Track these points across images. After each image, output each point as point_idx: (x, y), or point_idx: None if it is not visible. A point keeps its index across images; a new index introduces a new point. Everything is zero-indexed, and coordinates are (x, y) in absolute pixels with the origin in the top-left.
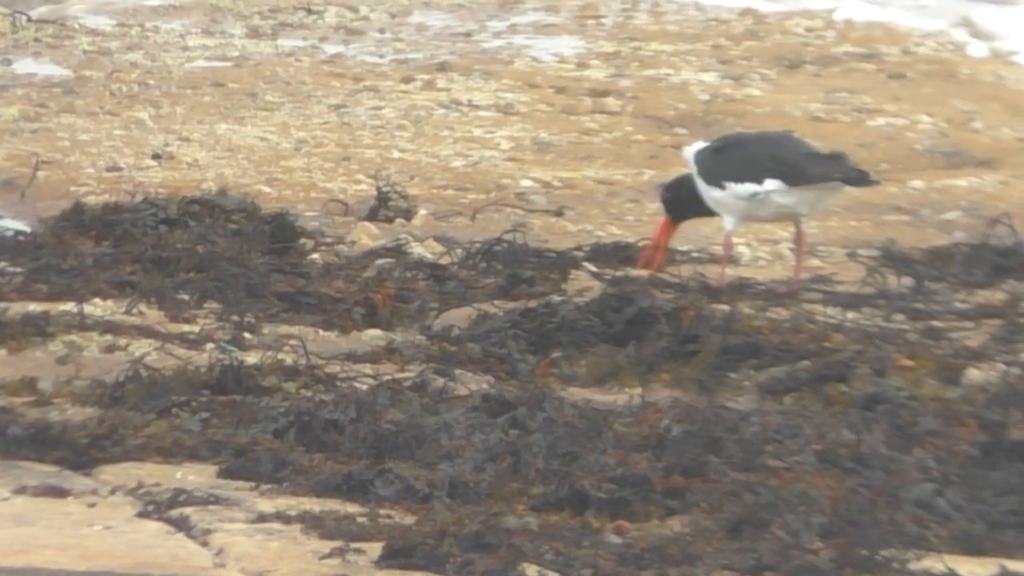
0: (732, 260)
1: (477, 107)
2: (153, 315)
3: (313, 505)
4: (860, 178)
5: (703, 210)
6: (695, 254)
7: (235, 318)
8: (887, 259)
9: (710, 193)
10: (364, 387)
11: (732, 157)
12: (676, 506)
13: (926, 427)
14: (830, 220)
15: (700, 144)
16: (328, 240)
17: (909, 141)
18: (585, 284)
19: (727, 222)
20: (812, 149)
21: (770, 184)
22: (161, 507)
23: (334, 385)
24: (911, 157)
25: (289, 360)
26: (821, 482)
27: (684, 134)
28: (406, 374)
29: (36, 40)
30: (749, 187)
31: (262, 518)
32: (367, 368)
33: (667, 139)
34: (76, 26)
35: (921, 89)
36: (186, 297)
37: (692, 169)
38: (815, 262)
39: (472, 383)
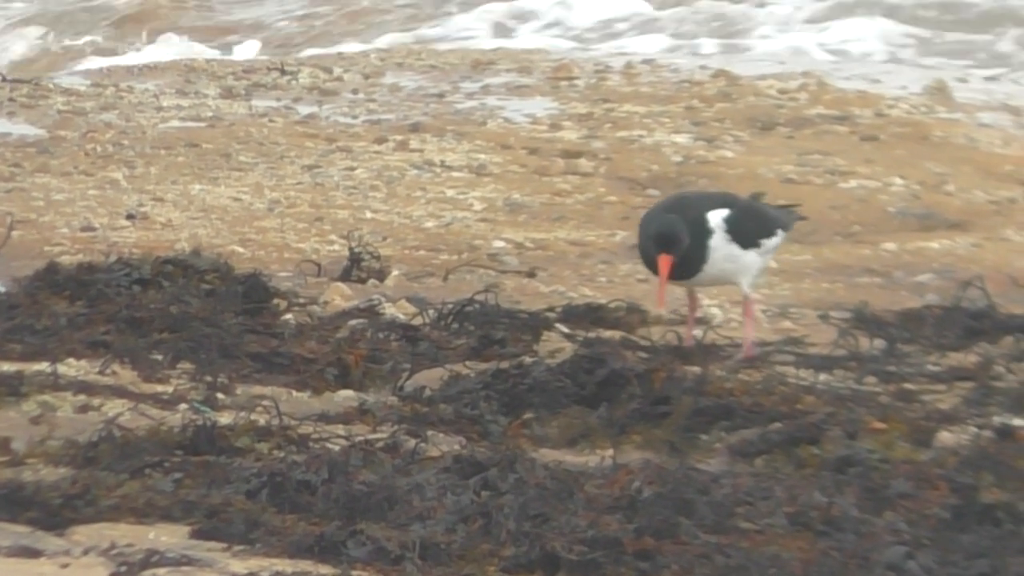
0: (703, 321)
1: (450, 168)
2: (126, 375)
3: (285, 566)
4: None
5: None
6: (667, 316)
7: (208, 378)
8: (859, 321)
9: (744, 259)
10: (336, 448)
11: (757, 215)
12: (647, 568)
13: (898, 490)
14: (803, 282)
15: (718, 211)
16: (301, 301)
17: (882, 203)
18: (557, 345)
19: (747, 284)
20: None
21: (779, 233)
22: (134, 568)
23: (307, 446)
24: (884, 219)
25: (262, 421)
26: (792, 545)
27: (656, 195)
28: (378, 435)
29: (11, 100)
30: (775, 240)
31: None
32: (339, 429)
33: (639, 200)
34: (51, 86)
35: (894, 151)
36: (159, 357)
37: (720, 236)
38: (787, 324)
39: (444, 444)
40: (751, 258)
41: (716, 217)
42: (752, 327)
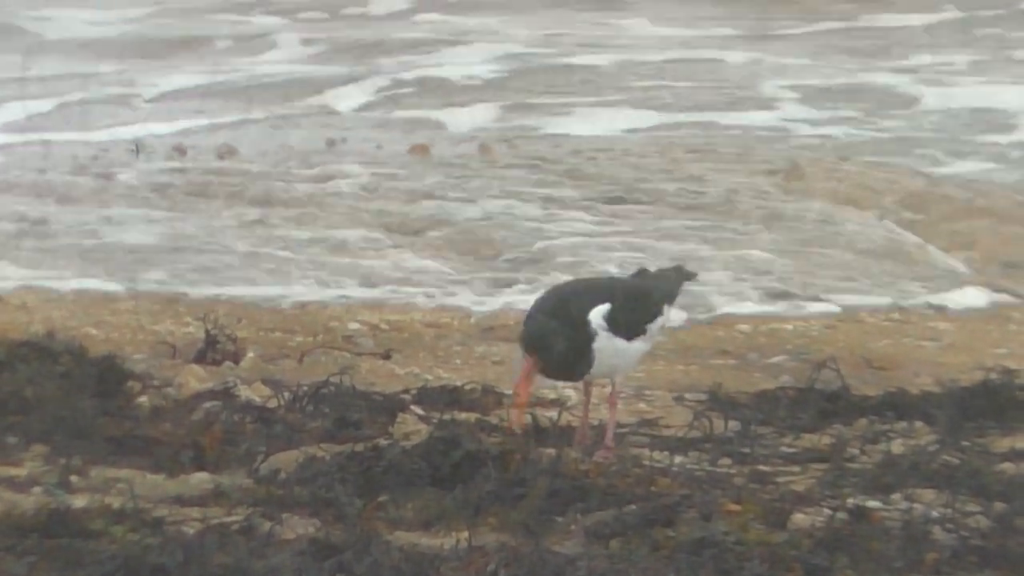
0: (561, 404)
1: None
2: None
3: None
4: (689, 273)
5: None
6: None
7: (62, 461)
8: (714, 403)
9: (631, 350)
10: (191, 531)
11: (639, 301)
12: None
13: (752, 572)
14: (657, 364)
15: (599, 308)
16: (156, 383)
17: None
18: (413, 427)
19: (622, 377)
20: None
21: (665, 308)
22: None
23: (161, 529)
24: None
25: (117, 503)
26: None
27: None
28: (233, 518)
29: None
30: (661, 319)
31: None
32: (195, 511)
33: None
34: None
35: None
36: (13, 440)
37: (602, 334)
38: (642, 406)
39: (299, 527)
40: (637, 347)
41: (598, 317)
42: (614, 420)
